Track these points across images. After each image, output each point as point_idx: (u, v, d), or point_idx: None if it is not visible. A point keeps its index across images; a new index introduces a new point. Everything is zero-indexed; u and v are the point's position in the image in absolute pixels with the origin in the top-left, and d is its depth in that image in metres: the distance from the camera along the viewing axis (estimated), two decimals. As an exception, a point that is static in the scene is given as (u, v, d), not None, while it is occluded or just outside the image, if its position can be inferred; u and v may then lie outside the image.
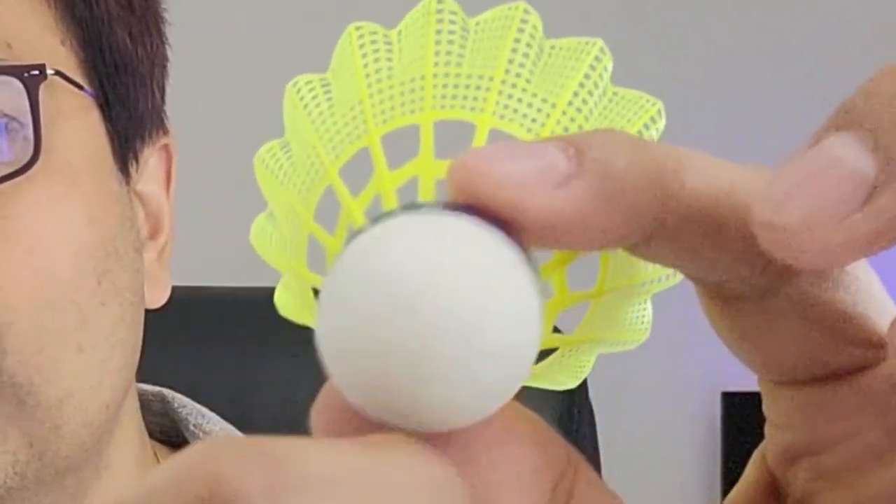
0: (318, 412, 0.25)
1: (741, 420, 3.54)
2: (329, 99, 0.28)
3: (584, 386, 1.04)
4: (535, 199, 0.22)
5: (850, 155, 0.22)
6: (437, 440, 0.23)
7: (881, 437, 0.27)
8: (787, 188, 0.22)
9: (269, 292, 0.54)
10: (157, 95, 0.85)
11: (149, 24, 0.83)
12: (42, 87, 0.73)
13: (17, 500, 0.73)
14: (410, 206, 0.23)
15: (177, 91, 0.86)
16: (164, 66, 0.85)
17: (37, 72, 0.73)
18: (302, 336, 0.35)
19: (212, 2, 2.80)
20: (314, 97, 0.28)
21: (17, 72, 0.72)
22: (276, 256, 0.30)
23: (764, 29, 3.83)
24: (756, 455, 0.33)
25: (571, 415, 1.06)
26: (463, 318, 0.22)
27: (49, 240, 0.74)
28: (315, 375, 0.32)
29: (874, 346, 0.27)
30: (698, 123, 3.19)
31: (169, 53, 0.85)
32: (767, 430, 0.31)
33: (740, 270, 0.25)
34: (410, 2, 0.43)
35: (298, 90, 0.29)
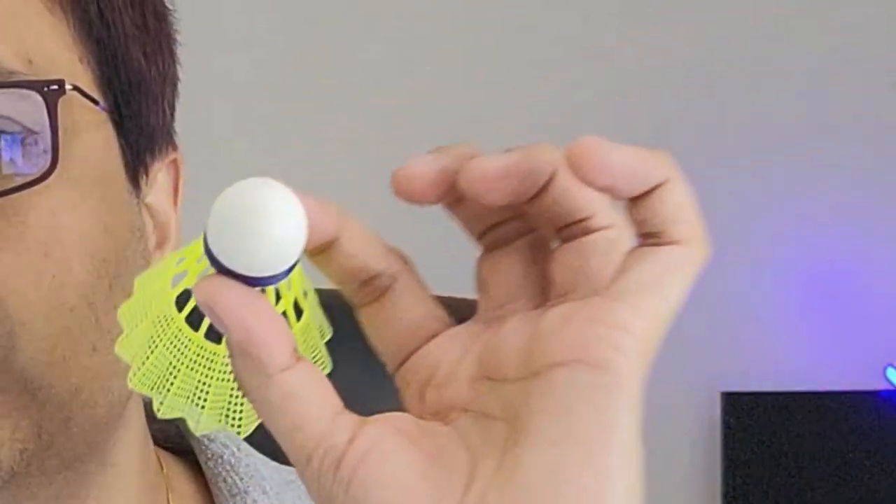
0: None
1: (741, 419, 3.53)
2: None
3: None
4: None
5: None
6: None
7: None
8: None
9: None
10: (168, 113, 0.88)
11: (162, 45, 0.86)
12: (60, 101, 0.76)
13: (21, 486, 0.76)
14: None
15: (184, 108, 0.89)
16: (175, 85, 0.88)
17: (56, 87, 0.76)
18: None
19: (219, 24, 3.00)
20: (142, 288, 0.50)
21: (38, 86, 0.75)
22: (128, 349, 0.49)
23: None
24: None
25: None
26: (258, 215, 0.42)
27: (65, 245, 0.77)
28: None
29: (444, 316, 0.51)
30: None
31: (179, 73, 0.89)
32: (403, 387, 0.50)
33: (380, 271, 0.48)
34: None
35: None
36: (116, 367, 0.73)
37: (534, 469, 0.44)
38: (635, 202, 0.45)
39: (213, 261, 0.44)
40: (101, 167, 0.83)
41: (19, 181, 0.74)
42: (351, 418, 0.47)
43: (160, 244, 0.89)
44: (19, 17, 0.80)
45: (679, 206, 0.45)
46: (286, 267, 0.44)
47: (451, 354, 0.50)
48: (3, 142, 0.77)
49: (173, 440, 0.98)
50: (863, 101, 3.68)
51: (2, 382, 0.76)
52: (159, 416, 0.51)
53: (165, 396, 0.50)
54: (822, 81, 3.66)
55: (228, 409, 0.50)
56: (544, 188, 0.45)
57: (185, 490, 0.97)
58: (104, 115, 0.83)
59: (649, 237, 0.46)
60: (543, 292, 0.49)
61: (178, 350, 0.49)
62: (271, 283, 0.45)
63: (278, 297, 0.48)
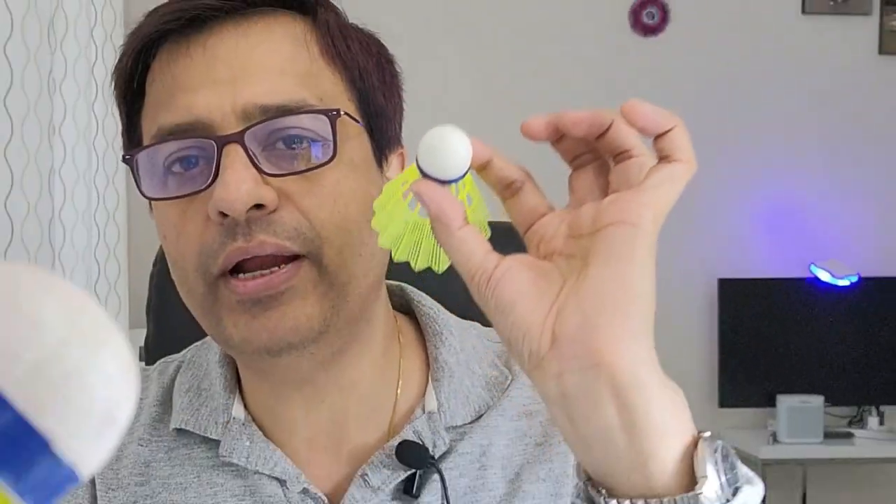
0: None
1: (735, 302, 4.19)
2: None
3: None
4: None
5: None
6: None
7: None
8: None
9: None
10: (396, 127, 1.06)
11: (393, 91, 1.05)
12: (338, 121, 0.93)
13: (321, 341, 0.94)
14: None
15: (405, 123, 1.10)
16: (401, 112, 1.08)
17: (335, 113, 0.93)
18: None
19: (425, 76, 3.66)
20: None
21: (325, 113, 0.94)
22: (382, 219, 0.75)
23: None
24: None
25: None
26: (445, 145, 0.69)
27: (344, 196, 0.95)
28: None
29: (549, 205, 0.74)
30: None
31: (403, 105, 1.08)
32: (528, 245, 0.74)
33: (517, 179, 0.74)
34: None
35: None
36: (372, 262, 0.98)
37: (593, 279, 0.67)
38: (657, 138, 0.68)
39: (421, 171, 0.70)
40: (361, 157, 0.99)
41: (318, 163, 0.93)
42: (496, 255, 0.70)
43: None
44: (315, 76, 0.97)
45: (681, 141, 0.68)
46: (460, 174, 0.70)
47: (553, 224, 0.73)
48: (312, 145, 0.93)
49: (402, 307, 1.14)
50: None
51: (315, 277, 0.93)
52: (395, 259, 0.76)
53: (399, 251, 0.76)
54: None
55: (431, 256, 0.76)
56: (607, 130, 0.69)
57: (409, 334, 1.10)
58: (361, 129, 0.99)
59: (663, 158, 0.68)
60: (605, 194, 0.71)
61: (407, 229, 0.76)
62: (452, 183, 0.70)
63: (457, 192, 0.71)
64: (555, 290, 0.68)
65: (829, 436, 3.93)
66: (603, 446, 0.67)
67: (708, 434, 0.69)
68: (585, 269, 0.67)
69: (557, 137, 0.72)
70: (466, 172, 0.70)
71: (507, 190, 0.74)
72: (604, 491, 0.69)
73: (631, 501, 0.67)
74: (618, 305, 0.66)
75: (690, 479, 0.67)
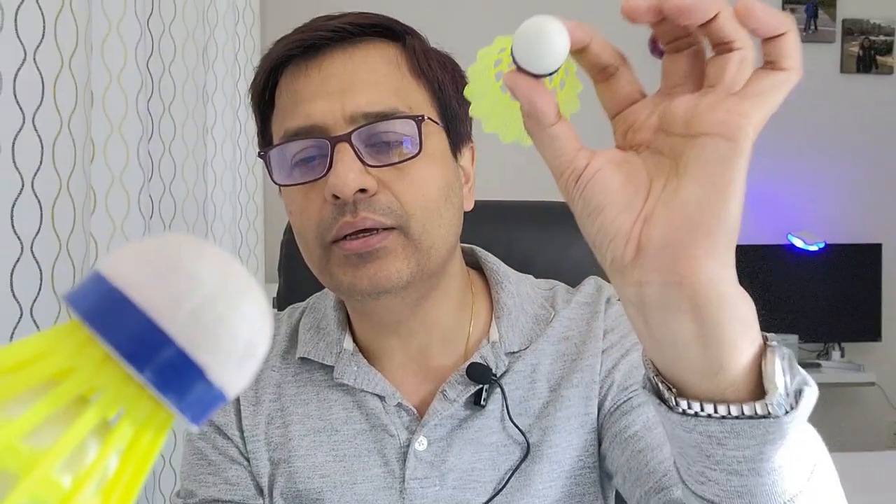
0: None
1: (738, 268, 4.13)
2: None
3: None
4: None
5: None
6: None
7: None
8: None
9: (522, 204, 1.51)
10: (467, 127, 1.06)
11: (465, 99, 0.86)
12: (423, 124, 0.95)
13: (409, 288, 0.96)
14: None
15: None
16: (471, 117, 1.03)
17: (420, 118, 0.95)
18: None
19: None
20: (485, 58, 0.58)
21: (413, 118, 0.94)
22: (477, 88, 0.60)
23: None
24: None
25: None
26: (542, 36, 0.53)
27: (427, 182, 0.96)
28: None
29: (643, 92, 0.59)
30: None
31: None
32: (615, 132, 0.59)
33: (612, 63, 0.58)
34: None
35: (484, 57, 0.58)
36: (448, 231, 0.98)
37: (685, 195, 0.53)
38: (766, 42, 0.53)
39: (516, 63, 0.54)
40: (440, 151, 0.99)
41: (408, 157, 0.94)
42: (587, 152, 0.57)
43: (465, 181, 1.06)
44: (405, 89, 0.98)
45: (791, 48, 0.53)
46: (554, 68, 0.54)
47: (643, 112, 0.58)
48: (403, 143, 0.94)
49: (474, 263, 1.15)
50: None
51: (403, 242, 0.94)
52: (485, 130, 0.62)
53: (489, 123, 0.61)
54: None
55: (521, 133, 0.60)
56: (713, 20, 0.52)
57: (478, 284, 1.12)
58: (441, 129, 1.00)
59: (769, 64, 0.53)
60: (699, 83, 0.56)
61: (497, 104, 0.61)
62: (545, 76, 0.55)
63: (551, 79, 0.58)
64: (643, 195, 0.55)
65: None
66: (676, 352, 0.57)
67: (775, 343, 0.58)
68: (676, 180, 0.54)
69: (659, 19, 0.55)
70: (558, 68, 0.55)
71: (602, 73, 0.59)
72: (674, 390, 0.59)
73: (701, 404, 0.58)
74: (707, 226, 0.53)
75: (758, 386, 0.57)
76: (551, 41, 0.53)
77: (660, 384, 0.60)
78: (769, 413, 0.56)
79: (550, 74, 0.55)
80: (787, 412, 0.57)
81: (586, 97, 0.61)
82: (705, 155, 0.52)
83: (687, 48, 0.57)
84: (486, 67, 0.59)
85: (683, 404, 0.59)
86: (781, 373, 0.57)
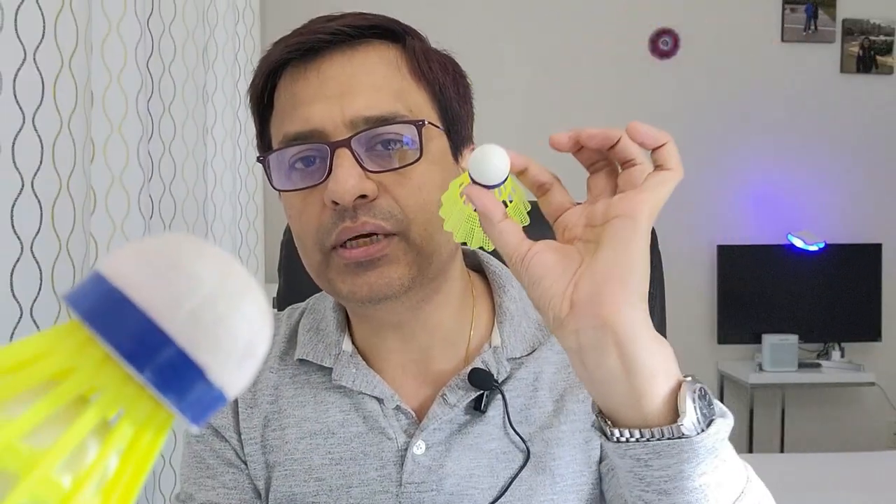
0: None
1: (730, 263, 4.15)
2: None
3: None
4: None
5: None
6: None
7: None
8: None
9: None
10: (469, 129, 1.05)
11: (465, 100, 1.04)
12: (423, 128, 0.94)
13: (409, 293, 0.96)
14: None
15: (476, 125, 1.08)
16: (472, 116, 1.06)
17: (421, 122, 0.94)
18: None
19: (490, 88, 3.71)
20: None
21: (414, 122, 0.94)
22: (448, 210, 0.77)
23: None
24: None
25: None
26: (488, 159, 0.72)
27: (428, 186, 0.95)
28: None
29: (573, 201, 0.76)
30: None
31: (474, 112, 1.07)
32: (556, 231, 0.76)
33: (546, 182, 0.76)
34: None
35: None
36: (449, 236, 0.89)
37: (601, 258, 0.69)
38: (653, 151, 0.71)
39: (471, 178, 0.72)
40: (441, 154, 0.98)
41: (409, 161, 0.93)
42: (530, 242, 0.74)
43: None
44: (405, 92, 0.97)
45: (671, 153, 0.70)
46: (500, 181, 0.72)
47: (574, 216, 0.75)
48: (404, 147, 0.93)
49: (476, 266, 1.15)
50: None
51: (404, 248, 0.94)
52: (455, 240, 0.81)
53: (458, 235, 0.79)
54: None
55: (483, 240, 0.79)
56: (616, 143, 0.71)
57: (479, 287, 1.11)
58: (442, 132, 0.99)
59: (658, 167, 0.71)
60: (614, 191, 0.74)
61: (464, 218, 0.79)
62: (495, 187, 0.73)
63: (500, 193, 0.74)
64: (573, 268, 0.70)
65: (802, 365, 3.94)
66: (608, 387, 0.70)
67: (689, 378, 0.71)
68: (597, 252, 0.69)
69: (578, 148, 0.73)
70: (506, 179, 0.72)
71: (540, 189, 0.76)
72: (609, 422, 0.72)
73: (629, 430, 0.71)
74: (619, 278, 0.67)
75: (676, 414, 0.69)
76: (495, 160, 0.71)
77: (600, 419, 0.73)
78: (682, 434, 0.69)
79: (497, 186, 0.72)
80: (698, 433, 0.69)
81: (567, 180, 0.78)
82: (614, 230, 0.69)
83: (603, 168, 0.74)
84: (453, 190, 0.75)
85: (616, 432, 0.71)
86: (692, 402, 0.69)
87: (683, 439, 0.69)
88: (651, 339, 0.69)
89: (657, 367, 0.69)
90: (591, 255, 0.70)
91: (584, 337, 0.69)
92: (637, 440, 0.70)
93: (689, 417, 0.69)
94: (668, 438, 0.69)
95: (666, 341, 0.71)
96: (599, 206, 0.71)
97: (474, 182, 0.72)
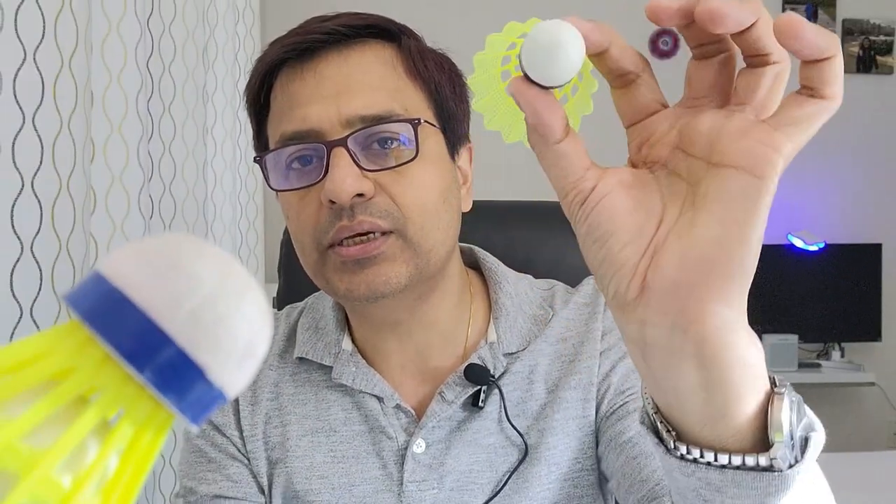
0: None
1: None
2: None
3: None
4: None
5: None
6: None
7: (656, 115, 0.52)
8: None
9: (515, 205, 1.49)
10: (465, 127, 1.05)
11: (462, 98, 1.04)
12: (419, 127, 0.94)
13: (406, 291, 0.95)
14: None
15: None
16: (468, 114, 1.05)
17: (417, 121, 0.94)
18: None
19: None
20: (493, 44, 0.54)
21: (410, 120, 0.94)
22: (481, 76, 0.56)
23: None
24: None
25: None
26: (554, 46, 0.46)
27: (425, 185, 0.95)
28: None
29: (663, 102, 0.52)
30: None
31: (471, 111, 1.05)
32: (630, 143, 0.53)
33: (631, 70, 0.51)
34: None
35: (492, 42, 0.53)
36: (447, 233, 0.97)
37: (701, 231, 0.47)
38: (808, 64, 0.46)
39: (524, 72, 0.48)
40: (437, 153, 0.99)
41: (405, 160, 0.93)
42: (596, 171, 0.51)
43: (463, 182, 1.06)
44: (401, 91, 0.96)
45: (837, 74, 0.46)
46: (566, 81, 0.48)
47: (663, 125, 0.52)
48: (400, 146, 0.93)
49: (473, 263, 1.14)
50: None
51: (401, 245, 0.94)
52: (487, 127, 0.58)
53: (491, 121, 0.57)
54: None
55: (523, 136, 0.54)
56: (750, 28, 0.46)
57: (476, 284, 1.11)
58: (438, 131, 0.99)
59: (807, 90, 0.47)
60: (726, 96, 0.50)
61: (501, 103, 0.56)
62: (556, 88, 0.50)
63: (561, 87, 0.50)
64: (654, 223, 0.50)
65: (802, 365, 3.93)
66: (677, 397, 0.52)
67: (783, 389, 0.54)
68: (693, 211, 0.48)
69: (686, 23, 0.48)
70: (571, 79, 0.48)
71: (620, 79, 0.52)
72: (674, 433, 0.55)
73: (702, 451, 0.54)
74: (722, 269, 0.47)
75: (762, 434, 0.53)
76: (565, 53, 0.47)
77: (659, 423, 0.56)
78: (772, 466, 0.53)
79: (559, 87, 0.49)
80: (791, 465, 0.53)
81: (599, 96, 0.57)
82: (728, 189, 0.47)
83: (716, 55, 0.50)
84: (492, 61, 0.54)
85: (682, 449, 0.55)
86: (788, 423, 0.53)
87: (774, 472, 0.53)
88: (747, 345, 0.50)
89: (747, 382, 0.51)
90: (679, 201, 0.50)
91: (653, 333, 0.50)
92: (709, 464, 0.54)
93: (783, 445, 0.53)
94: (755, 469, 0.53)
95: (759, 343, 0.52)
96: (704, 122, 0.49)
97: (527, 77, 0.48)
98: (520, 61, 0.48)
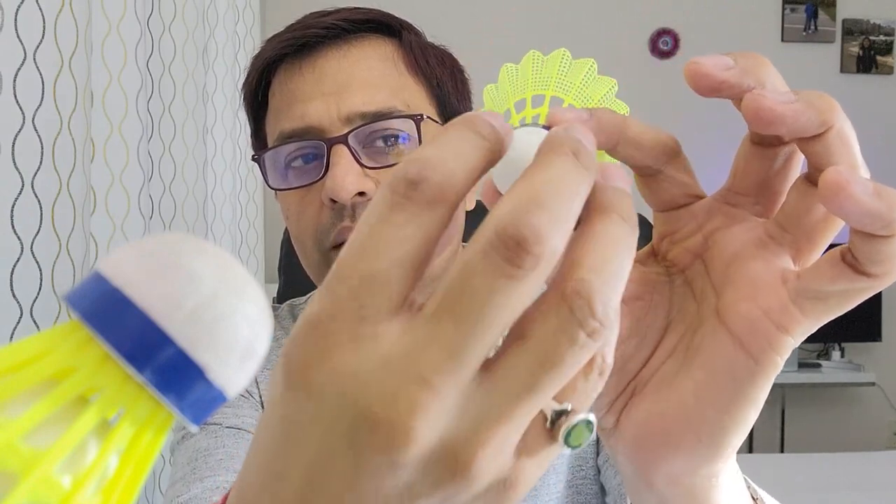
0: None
1: None
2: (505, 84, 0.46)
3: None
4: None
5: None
6: None
7: (694, 228, 0.41)
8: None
9: None
10: None
11: (464, 94, 1.03)
12: (422, 123, 0.92)
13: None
14: (530, 123, 0.37)
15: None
16: (471, 110, 0.97)
17: (419, 117, 0.92)
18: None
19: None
20: (503, 80, 0.46)
21: (412, 117, 0.92)
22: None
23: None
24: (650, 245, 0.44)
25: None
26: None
27: None
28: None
29: (695, 194, 0.41)
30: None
31: (473, 107, 1.04)
32: (654, 229, 0.43)
33: (650, 166, 0.39)
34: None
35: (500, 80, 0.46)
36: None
37: (676, 396, 0.39)
38: (859, 233, 0.34)
39: (495, 181, 0.39)
40: None
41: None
42: None
43: None
44: (402, 87, 0.95)
45: (892, 255, 0.34)
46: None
47: (689, 225, 0.41)
48: (402, 142, 0.92)
49: None
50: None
51: None
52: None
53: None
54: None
55: None
56: (820, 136, 0.35)
57: None
58: (440, 127, 0.96)
59: (850, 257, 0.35)
60: (774, 201, 0.39)
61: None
62: None
63: None
64: (644, 353, 0.42)
65: (802, 366, 3.95)
66: None
67: None
68: (682, 363, 0.40)
69: (735, 94, 0.38)
70: None
71: (637, 170, 0.42)
72: None
73: None
74: (688, 447, 0.39)
75: None
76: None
77: None
78: None
79: None
80: None
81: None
82: (715, 361, 0.38)
83: (777, 145, 0.39)
84: (505, 97, 0.47)
85: None
86: None
87: None
88: (724, 489, 0.43)
89: None
90: (681, 327, 0.42)
91: (623, 464, 0.43)
92: None
93: None
94: None
95: (740, 478, 0.46)
96: (732, 243, 0.40)
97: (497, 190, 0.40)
98: (493, 179, 0.38)
